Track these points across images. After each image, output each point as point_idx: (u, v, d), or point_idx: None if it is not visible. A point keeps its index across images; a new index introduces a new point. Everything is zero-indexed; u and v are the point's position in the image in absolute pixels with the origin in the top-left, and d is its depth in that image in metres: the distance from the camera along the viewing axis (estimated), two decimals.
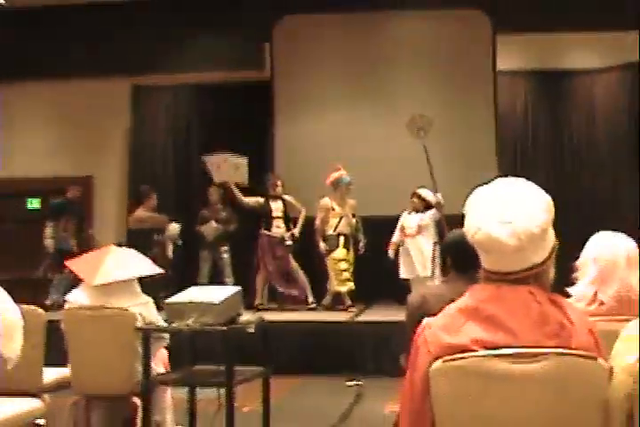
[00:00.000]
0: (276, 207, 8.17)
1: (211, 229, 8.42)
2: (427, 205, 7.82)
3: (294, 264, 8.08)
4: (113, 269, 4.03)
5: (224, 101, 9.60)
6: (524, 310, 1.58)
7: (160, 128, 9.87)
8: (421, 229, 7.75)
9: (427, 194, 7.83)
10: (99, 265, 4.04)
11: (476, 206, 1.64)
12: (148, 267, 4.19)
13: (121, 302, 3.99)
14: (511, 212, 1.60)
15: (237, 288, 3.88)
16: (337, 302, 8.01)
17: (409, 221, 7.87)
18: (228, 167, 8.05)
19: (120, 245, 4.90)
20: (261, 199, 8.19)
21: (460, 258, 2.82)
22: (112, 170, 9.88)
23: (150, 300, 4.11)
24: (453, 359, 1.57)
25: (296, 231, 8.10)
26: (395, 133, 8.79)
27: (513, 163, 9.32)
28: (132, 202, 8.97)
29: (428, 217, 7.77)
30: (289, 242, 8.03)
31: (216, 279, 8.20)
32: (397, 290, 8.12)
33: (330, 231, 7.90)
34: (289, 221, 8.17)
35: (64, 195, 8.73)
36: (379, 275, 8.02)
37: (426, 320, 1.68)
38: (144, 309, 4.03)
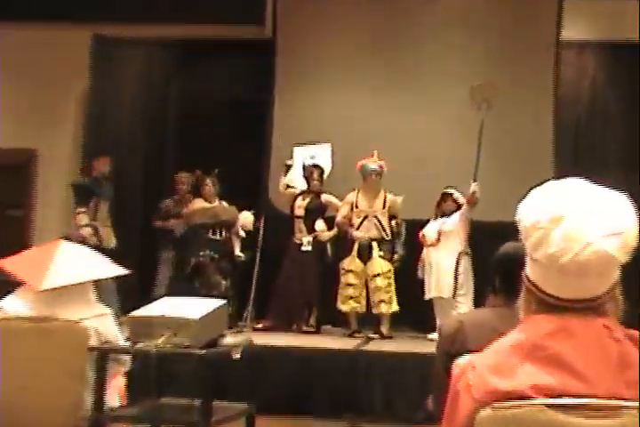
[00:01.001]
0: (299, 205, 8.47)
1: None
2: (458, 209, 7.96)
3: (312, 275, 8.28)
4: (64, 271, 4.06)
5: (213, 63, 9.69)
6: (599, 348, 1.59)
7: (128, 92, 9.93)
8: (443, 237, 7.81)
9: (459, 195, 8.00)
10: (46, 265, 4.06)
11: (558, 215, 1.65)
12: (108, 268, 4.24)
13: (71, 314, 4.01)
14: (617, 220, 1.63)
15: (221, 302, 3.90)
16: (344, 325, 8.22)
17: (429, 228, 7.96)
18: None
19: (69, 239, 4.91)
20: (295, 193, 8.59)
21: (512, 279, 2.84)
22: (62, 143, 9.87)
23: (108, 311, 4.16)
24: (507, 407, 1.57)
25: (326, 235, 8.32)
26: (430, 119, 8.87)
27: (573, 157, 9.37)
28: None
29: (453, 221, 7.88)
30: (306, 247, 8.27)
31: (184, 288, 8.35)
32: (420, 314, 8.17)
33: (354, 233, 8.09)
34: (312, 223, 8.36)
35: (89, 173, 8.73)
36: (400, 295, 8.10)
37: (468, 358, 1.68)
38: (100, 323, 4.07)
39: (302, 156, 8.82)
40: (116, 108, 9.87)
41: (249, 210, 8.70)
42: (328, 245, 8.41)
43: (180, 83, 10.01)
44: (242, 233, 8.61)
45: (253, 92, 9.70)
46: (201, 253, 8.38)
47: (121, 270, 4.22)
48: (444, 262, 7.81)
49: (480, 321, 2.78)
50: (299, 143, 8.94)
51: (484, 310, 3.01)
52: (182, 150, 9.82)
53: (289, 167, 8.81)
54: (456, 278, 7.72)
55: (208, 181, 8.63)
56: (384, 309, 7.95)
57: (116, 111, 9.87)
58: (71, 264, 4.10)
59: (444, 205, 7.99)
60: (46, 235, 8.74)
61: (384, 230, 8.04)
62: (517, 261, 2.74)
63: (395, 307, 7.98)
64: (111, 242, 8.49)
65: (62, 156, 9.85)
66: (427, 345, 6.78)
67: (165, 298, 4.21)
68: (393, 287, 7.98)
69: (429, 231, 7.99)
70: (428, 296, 7.92)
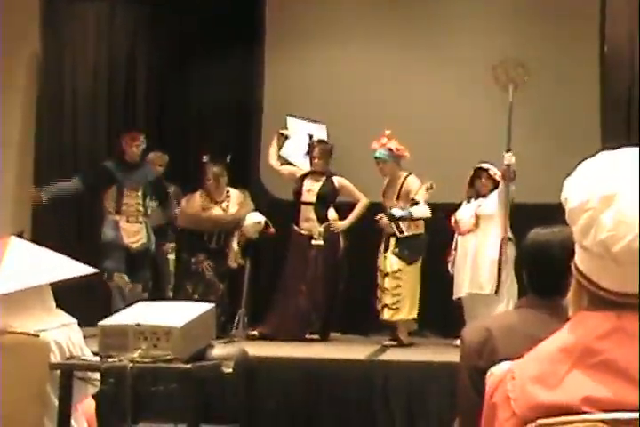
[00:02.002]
0: (309, 189, 8.48)
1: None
2: (495, 188, 7.94)
3: (322, 277, 8.37)
4: (17, 273, 4.06)
5: (191, 17, 9.70)
6: None
7: (87, 55, 9.95)
8: (481, 222, 7.79)
9: (496, 171, 7.96)
10: None
11: (609, 193, 1.64)
12: (69, 267, 4.24)
13: (29, 324, 4.01)
14: None
15: (207, 306, 3.92)
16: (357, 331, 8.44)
17: (462, 212, 7.93)
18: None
19: (21, 235, 4.93)
20: (298, 172, 8.62)
21: (542, 273, 2.83)
22: (7, 119, 9.86)
23: (74, 321, 4.18)
24: (555, 424, 1.56)
25: (341, 225, 8.43)
26: (452, 87, 8.90)
27: (624, 129, 9.37)
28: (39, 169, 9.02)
29: (492, 202, 7.87)
30: (318, 240, 8.32)
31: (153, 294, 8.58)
32: (446, 317, 8.20)
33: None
34: (325, 211, 8.46)
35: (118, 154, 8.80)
36: (424, 294, 8.19)
37: (505, 366, 1.69)
38: (63, 334, 4.09)
39: (299, 129, 8.89)
40: (72, 76, 9.91)
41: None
42: (341, 238, 8.51)
43: (149, 44, 10.04)
44: (235, 246, 8.54)
45: (237, 51, 9.77)
46: (192, 260, 8.42)
47: (85, 269, 4.24)
48: (485, 252, 7.83)
49: (510, 326, 2.77)
50: (293, 114, 8.97)
51: (513, 313, 3.01)
52: (152, 123, 9.94)
53: (284, 137, 8.84)
54: (499, 270, 7.70)
55: (215, 171, 8.45)
56: (386, 315, 8.06)
57: (73, 79, 9.91)
58: (25, 265, 4.11)
59: (479, 184, 7.99)
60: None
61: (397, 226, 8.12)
62: (550, 251, 2.74)
63: (405, 314, 8.04)
64: (139, 241, 8.52)
65: (8, 135, 9.82)
66: (453, 353, 6.80)
67: (141, 303, 4.22)
68: (405, 291, 8.04)
69: (464, 215, 8.01)
70: (460, 294, 7.93)
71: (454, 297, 7.99)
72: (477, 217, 7.89)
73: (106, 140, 9.87)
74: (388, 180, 8.31)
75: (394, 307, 8.00)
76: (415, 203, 8.06)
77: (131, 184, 8.61)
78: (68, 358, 4.02)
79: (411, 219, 8.04)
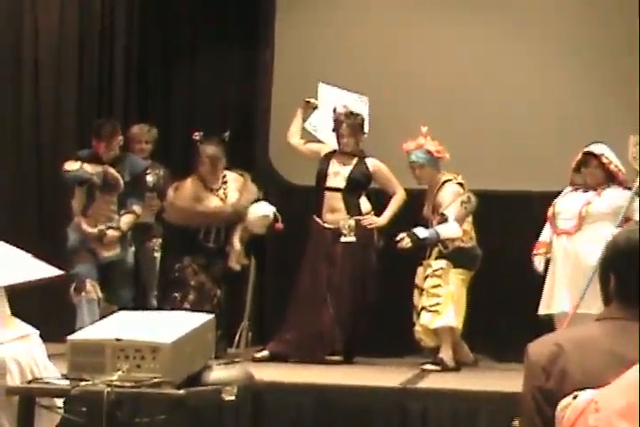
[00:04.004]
0: (335, 171, 8.44)
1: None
2: (609, 178, 7.69)
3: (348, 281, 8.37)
4: None
5: None
6: None
7: (62, 22, 9.99)
8: (588, 219, 7.66)
9: (610, 154, 7.65)
10: None
11: None
12: (27, 269, 4.28)
13: None
14: None
15: (205, 317, 3.93)
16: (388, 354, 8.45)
17: (564, 203, 7.76)
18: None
19: None
20: (323, 150, 8.59)
21: (631, 279, 2.84)
22: None
23: (34, 332, 4.16)
24: None
25: (379, 221, 8.41)
26: (508, 52, 8.91)
27: None
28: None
29: (611, 200, 7.60)
30: (348, 237, 8.29)
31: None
32: (504, 336, 8.19)
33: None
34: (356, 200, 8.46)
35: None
36: (476, 307, 8.18)
37: (587, 395, 1.70)
38: (22, 349, 4.10)
39: (332, 99, 8.76)
40: (44, 43, 9.95)
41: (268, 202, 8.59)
42: (375, 236, 8.48)
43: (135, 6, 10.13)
44: (237, 245, 8.50)
45: (243, 8, 9.82)
46: (185, 262, 8.39)
47: (50, 271, 4.22)
48: (591, 260, 7.24)
49: (588, 341, 2.76)
50: (325, 81, 8.94)
51: (593, 326, 2.99)
52: (130, 89, 10.03)
53: (312, 108, 8.77)
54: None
55: (210, 151, 8.40)
56: (423, 319, 8.00)
57: (44, 45, 9.95)
58: None
59: (586, 173, 7.69)
60: None
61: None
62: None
63: (447, 319, 7.96)
64: (112, 252, 8.47)
65: None
66: (511, 379, 6.76)
67: (121, 313, 4.23)
68: (447, 292, 8.00)
69: (568, 208, 7.75)
70: (553, 310, 7.71)
71: (541, 312, 7.78)
72: (582, 217, 7.65)
73: (75, 125, 9.94)
74: (429, 186, 8.32)
75: (432, 309, 7.97)
76: (445, 219, 8.03)
77: (106, 187, 8.47)
78: (29, 382, 4.03)
79: (438, 240, 8.03)
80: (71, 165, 8.29)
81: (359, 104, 8.74)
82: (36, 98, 9.87)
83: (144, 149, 8.98)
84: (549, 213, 7.82)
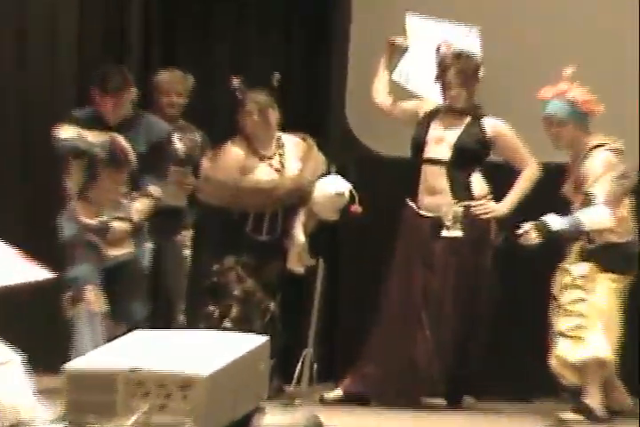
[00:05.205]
0: (438, 137, 8.50)
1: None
2: None
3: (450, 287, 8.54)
4: None
5: None
6: None
7: None
8: None
9: None
10: None
11: None
12: (13, 272, 4.28)
13: None
14: None
15: (256, 341, 3.96)
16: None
17: None
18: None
19: None
20: (422, 108, 8.83)
21: None
22: None
23: (16, 358, 4.21)
24: None
25: (497, 208, 8.56)
26: None
27: None
28: None
29: None
30: (452, 231, 8.30)
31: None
32: None
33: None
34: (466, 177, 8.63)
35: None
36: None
37: None
38: (2, 381, 4.15)
39: (427, 35, 8.70)
40: None
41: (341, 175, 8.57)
42: (493, 229, 8.45)
43: None
44: (300, 237, 8.60)
45: None
46: (226, 263, 8.44)
47: (37, 274, 4.27)
48: None
49: None
50: (414, 13, 8.85)
51: None
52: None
53: (402, 50, 8.85)
54: None
55: (257, 98, 8.68)
56: (560, 348, 8.04)
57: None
58: None
59: None
60: None
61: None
62: None
63: (592, 348, 8.01)
64: (121, 251, 8.71)
65: None
66: None
67: (136, 333, 4.28)
68: (594, 310, 8.10)
69: None
70: None
71: None
72: None
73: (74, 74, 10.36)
74: (571, 152, 8.31)
75: (571, 334, 7.98)
76: (591, 201, 8.06)
77: (113, 162, 8.67)
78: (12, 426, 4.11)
79: (580, 232, 8.01)
80: (66, 132, 8.39)
81: (470, 40, 8.75)
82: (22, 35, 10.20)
83: (174, 104, 9.07)
84: None
